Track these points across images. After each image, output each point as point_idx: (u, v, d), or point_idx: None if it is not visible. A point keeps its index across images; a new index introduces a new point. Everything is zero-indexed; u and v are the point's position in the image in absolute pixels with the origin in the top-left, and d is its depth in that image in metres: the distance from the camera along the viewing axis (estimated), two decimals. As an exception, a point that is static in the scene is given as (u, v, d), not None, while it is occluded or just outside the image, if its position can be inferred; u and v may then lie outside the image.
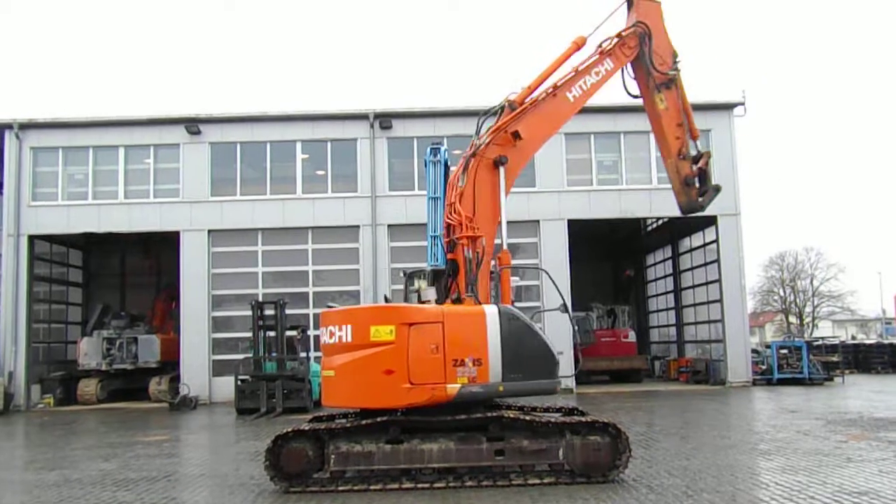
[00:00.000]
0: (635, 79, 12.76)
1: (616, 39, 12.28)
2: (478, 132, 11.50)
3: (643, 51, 12.39)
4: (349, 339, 9.92)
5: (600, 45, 12.23)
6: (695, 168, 12.93)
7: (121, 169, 27.44)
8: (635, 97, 12.85)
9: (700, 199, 13.02)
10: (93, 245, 31.73)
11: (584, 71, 12.08)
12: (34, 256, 27.48)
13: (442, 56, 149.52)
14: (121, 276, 34.37)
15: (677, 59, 12.66)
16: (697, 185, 13.02)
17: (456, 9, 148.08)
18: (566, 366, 13.25)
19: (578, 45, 12.20)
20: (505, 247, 11.24)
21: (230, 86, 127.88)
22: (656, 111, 12.71)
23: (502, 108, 11.60)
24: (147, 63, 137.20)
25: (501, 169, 11.12)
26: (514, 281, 12.03)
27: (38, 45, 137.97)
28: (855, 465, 10.81)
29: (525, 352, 9.97)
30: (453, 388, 9.61)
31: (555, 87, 11.85)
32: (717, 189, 13.22)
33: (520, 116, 11.43)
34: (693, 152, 12.96)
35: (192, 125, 26.91)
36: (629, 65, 12.57)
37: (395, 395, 9.60)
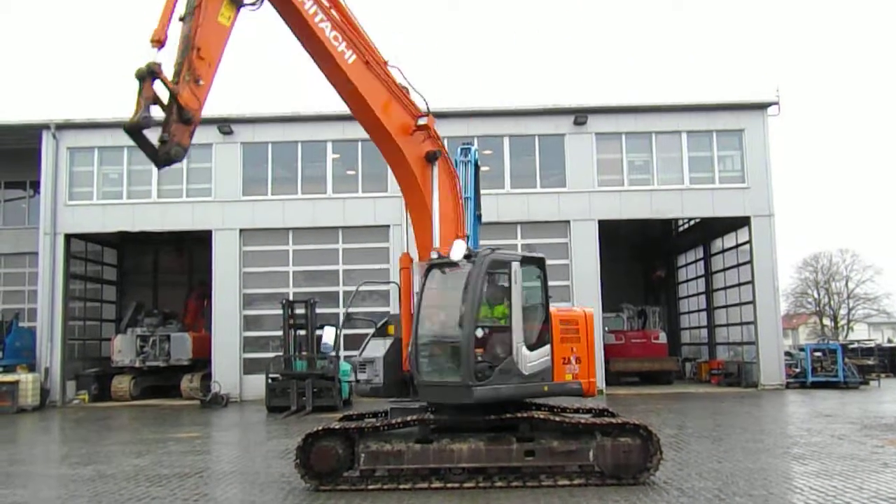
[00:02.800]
0: None
1: None
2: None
3: None
4: None
5: None
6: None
7: (154, 168, 27.71)
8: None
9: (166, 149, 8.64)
10: (127, 243, 32.16)
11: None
12: (70, 255, 27.92)
13: (461, 56, 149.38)
14: (154, 274, 34.79)
15: None
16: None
17: (496, 6, 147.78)
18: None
19: None
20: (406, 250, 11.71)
21: (262, 86, 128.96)
22: None
23: None
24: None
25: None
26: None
27: (74, 47, 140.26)
28: (892, 470, 10.62)
29: None
30: None
31: None
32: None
33: None
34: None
35: (225, 125, 27.17)
36: None
37: None
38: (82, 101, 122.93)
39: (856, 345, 39.15)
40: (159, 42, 8.33)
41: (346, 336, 24.94)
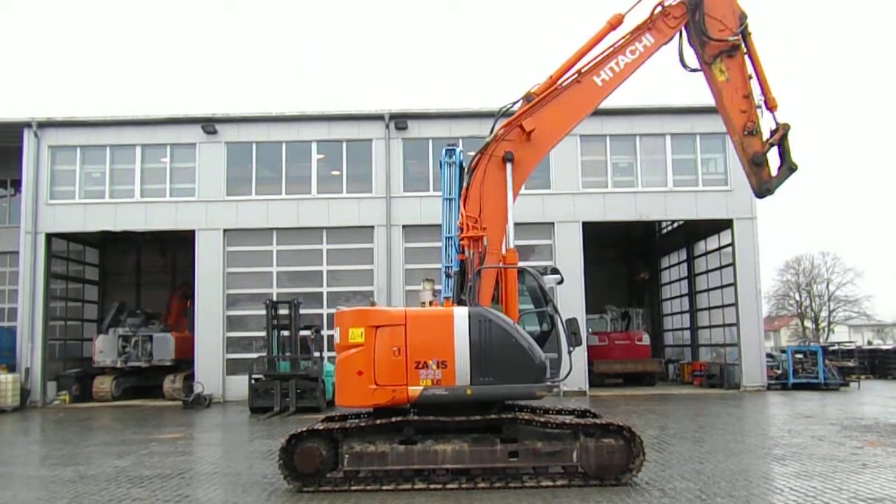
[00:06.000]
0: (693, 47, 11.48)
1: (658, 9, 11.26)
2: (492, 129, 11.16)
3: (693, 18, 11.24)
4: (337, 340, 10.34)
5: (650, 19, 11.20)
6: (767, 142, 11.46)
7: (137, 168, 27.60)
8: (692, 70, 11.57)
9: (770, 180, 11.50)
10: (109, 243, 31.96)
11: (617, 49, 11.11)
12: (51, 254, 27.67)
13: (457, 57, 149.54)
14: (136, 274, 34.59)
15: (744, 22, 11.30)
16: (770, 163, 11.53)
17: (472, 8, 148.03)
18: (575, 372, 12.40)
19: (613, 24, 11.18)
20: (511, 246, 10.92)
21: (246, 86, 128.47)
22: (716, 84, 11.38)
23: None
24: (164, 63, 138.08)
25: (508, 165, 10.77)
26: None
27: (57, 45, 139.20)
28: (871, 471, 10.73)
29: (498, 355, 9.80)
30: (415, 390, 9.79)
31: (579, 72, 11.02)
32: (792, 168, 11.50)
33: (534, 109, 10.91)
34: (772, 126, 11.55)
35: (209, 125, 27.05)
36: (685, 33, 11.43)
37: (364, 395, 9.90)
38: (64, 99, 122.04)
39: (836, 347, 39.46)
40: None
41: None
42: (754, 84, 11.42)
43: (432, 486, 9.69)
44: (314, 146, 27.55)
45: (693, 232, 31.76)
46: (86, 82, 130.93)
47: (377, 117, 27.15)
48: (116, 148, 27.76)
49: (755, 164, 11.40)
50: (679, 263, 34.78)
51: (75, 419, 21.47)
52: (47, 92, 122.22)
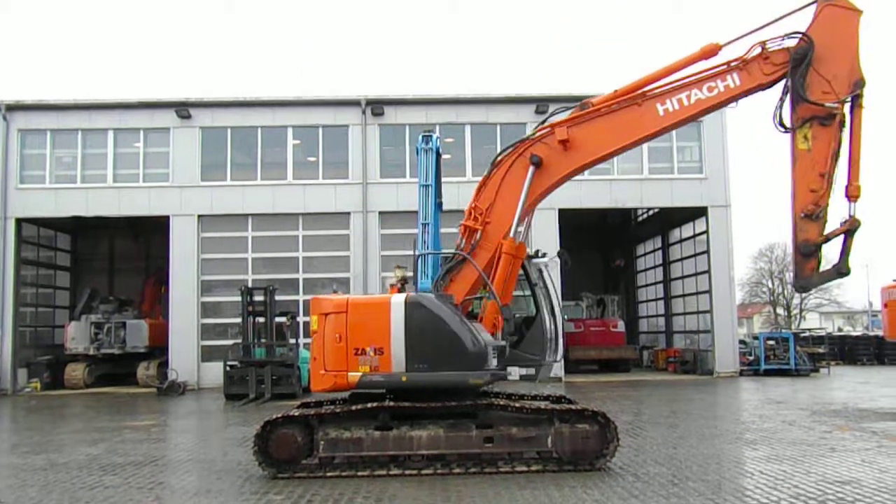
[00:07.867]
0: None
1: (756, 50, 9.61)
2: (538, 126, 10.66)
3: (796, 71, 9.42)
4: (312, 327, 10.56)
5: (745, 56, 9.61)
6: (825, 236, 9.49)
7: (110, 152, 27.25)
8: (784, 130, 9.71)
9: (812, 276, 9.57)
10: (81, 229, 31.57)
11: (694, 82, 9.81)
12: (21, 240, 27.29)
13: (433, 45, 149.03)
14: (109, 260, 34.20)
15: (858, 90, 9.32)
16: (820, 257, 9.57)
17: (471, 5, 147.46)
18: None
19: (707, 53, 9.74)
20: (512, 235, 10.40)
21: (222, 71, 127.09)
22: (795, 150, 9.56)
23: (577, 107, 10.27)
24: (138, 46, 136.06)
25: (531, 169, 10.27)
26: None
27: (28, 27, 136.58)
28: (839, 454, 10.90)
29: (431, 342, 9.75)
30: (354, 376, 9.90)
31: (644, 94, 9.94)
32: (842, 273, 9.49)
33: (583, 118, 10.13)
34: (844, 216, 9.55)
35: (183, 109, 26.74)
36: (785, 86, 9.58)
37: (316, 380, 10.19)
38: (34, 82, 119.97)
39: (807, 333, 40.06)
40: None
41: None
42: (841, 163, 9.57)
43: (408, 472, 9.70)
44: (290, 132, 27.34)
45: (668, 220, 31.99)
46: (57, 65, 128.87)
47: (354, 103, 26.98)
48: (88, 132, 27.37)
49: (803, 254, 9.52)
50: (654, 251, 35.05)
51: (47, 407, 21.25)
52: (17, 74, 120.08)
